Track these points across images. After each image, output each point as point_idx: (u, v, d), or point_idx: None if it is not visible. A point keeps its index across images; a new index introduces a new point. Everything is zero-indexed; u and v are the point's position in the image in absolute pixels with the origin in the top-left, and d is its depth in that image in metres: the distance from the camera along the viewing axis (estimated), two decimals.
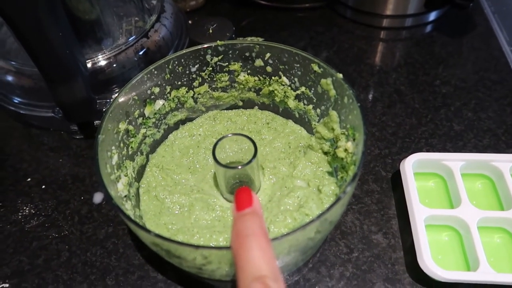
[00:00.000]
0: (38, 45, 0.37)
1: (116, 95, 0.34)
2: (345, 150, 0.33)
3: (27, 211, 0.42)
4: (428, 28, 0.61)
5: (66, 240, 0.40)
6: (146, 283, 0.37)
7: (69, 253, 0.39)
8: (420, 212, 0.36)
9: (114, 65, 0.47)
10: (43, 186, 0.44)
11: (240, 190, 0.25)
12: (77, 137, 0.49)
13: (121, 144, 0.35)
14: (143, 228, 0.26)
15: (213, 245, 0.32)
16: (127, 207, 0.32)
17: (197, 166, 0.39)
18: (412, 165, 0.40)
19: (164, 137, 0.41)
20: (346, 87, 0.32)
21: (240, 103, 0.44)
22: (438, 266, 0.33)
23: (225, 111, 0.44)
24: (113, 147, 0.34)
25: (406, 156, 0.41)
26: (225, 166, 0.33)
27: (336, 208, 0.25)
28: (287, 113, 0.42)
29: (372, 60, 0.57)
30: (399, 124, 0.48)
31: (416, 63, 0.56)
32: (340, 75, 0.33)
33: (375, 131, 0.47)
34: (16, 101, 0.48)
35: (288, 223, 0.32)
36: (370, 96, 0.52)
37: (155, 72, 0.37)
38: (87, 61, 0.45)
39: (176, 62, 0.38)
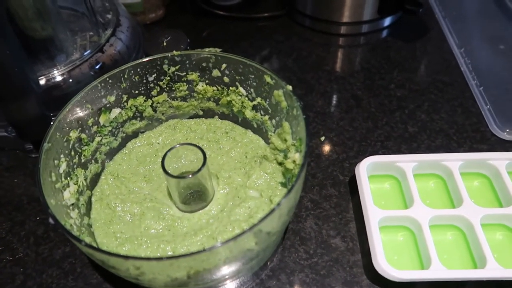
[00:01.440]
0: None
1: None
2: (293, 161, 0.34)
3: None
4: (384, 33, 0.63)
5: (21, 263, 0.38)
6: None
7: (24, 276, 0.38)
8: (374, 214, 0.37)
9: (70, 81, 0.46)
10: None
11: None
12: (33, 155, 0.48)
13: (72, 152, 0.35)
14: (75, 237, 0.25)
15: (148, 256, 0.32)
16: (72, 215, 0.32)
17: (153, 174, 0.39)
18: (366, 168, 0.41)
19: (122, 145, 0.41)
20: (294, 99, 0.33)
21: (201, 112, 0.44)
22: (393, 267, 0.34)
23: (186, 120, 0.44)
24: (62, 155, 0.34)
25: (362, 160, 0.42)
26: (174, 176, 0.33)
27: (270, 220, 0.26)
28: (246, 123, 0.42)
29: (331, 67, 0.58)
30: (356, 128, 0.49)
31: (372, 68, 0.57)
32: (289, 87, 0.34)
33: (332, 136, 0.48)
34: None
35: (235, 233, 0.32)
36: (328, 102, 0.53)
37: (110, 81, 0.37)
38: (40, 77, 0.44)
39: (132, 72, 0.38)
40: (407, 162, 0.41)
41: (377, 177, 0.42)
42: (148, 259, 0.24)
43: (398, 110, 0.51)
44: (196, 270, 0.27)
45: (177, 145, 0.35)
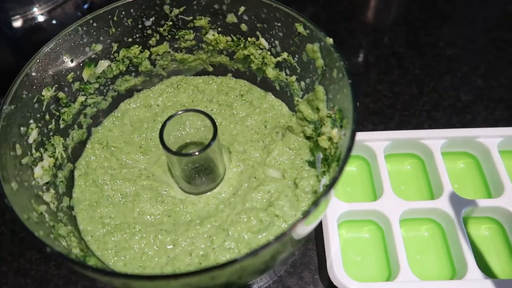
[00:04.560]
0: None
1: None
2: (329, 138, 0.26)
3: None
4: None
5: None
6: None
7: None
8: (333, 209, 0.31)
9: (52, 23, 0.38)
10: None
11: None
12: None
13: (47, 116, 0.28)
14: (43, 243, 0.19)
15: (149, 274, 0.26)
16: (47, 198, 0.26)
17: (151, 144, 0.32)
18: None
19: (113, 106, 0.34)
20: (336, 56, 0.25)
21: (211, 69, 0.36)
22: (350, 277, 0.28)
23: (191, 77, 0.36)
24: (32, 121, 0.27)
25: None
26: (176, 153, 0.26)
27: (300, 226, 0.19)
28: (266, 84, 0.34)
29: (366, 17, 0.49)
30: (397, 94, 0.41)
31: (417, 20, 0.48)
32: (330, 40, 0.26)
33: (368, 102, 0.40)
34: None
35: (252, 225, 0.26)
36: (363, 60, 0.44)
37: (95, 24, 0.29)
38: (13, 18, 0.36)
39: (124, 13, 0.30)
40: (379, 141, 0.34)
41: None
42: (151, 277, 0.18)
43: (449, 73, 0.42)
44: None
45: (180, 112, 0.27)
